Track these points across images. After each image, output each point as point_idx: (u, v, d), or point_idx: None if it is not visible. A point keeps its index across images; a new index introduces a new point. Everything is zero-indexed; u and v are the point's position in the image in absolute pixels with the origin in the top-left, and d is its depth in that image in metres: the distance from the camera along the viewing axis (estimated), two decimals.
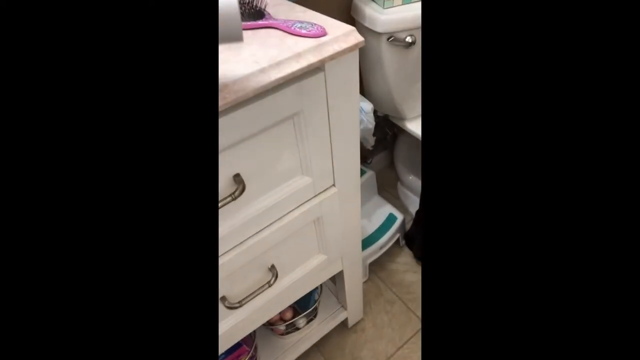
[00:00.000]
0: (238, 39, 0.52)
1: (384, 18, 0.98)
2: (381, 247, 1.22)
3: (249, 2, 0.62)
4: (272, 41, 0.58)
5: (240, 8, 0.63)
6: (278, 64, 0.53)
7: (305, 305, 1.05)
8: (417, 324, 1.16)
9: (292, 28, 0.58)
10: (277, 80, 0.52)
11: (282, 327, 1.03)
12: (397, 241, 1.31)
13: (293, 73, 0.53)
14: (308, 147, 0.64)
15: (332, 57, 0.56)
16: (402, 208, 1.44)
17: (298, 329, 1.05)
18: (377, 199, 1.33)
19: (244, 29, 0.59)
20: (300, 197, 0.70)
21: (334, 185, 0.74)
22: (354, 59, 0.61)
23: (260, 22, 0.61)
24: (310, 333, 1.05)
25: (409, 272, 1.28)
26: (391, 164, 1.57)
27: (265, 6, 0.63)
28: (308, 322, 1.06)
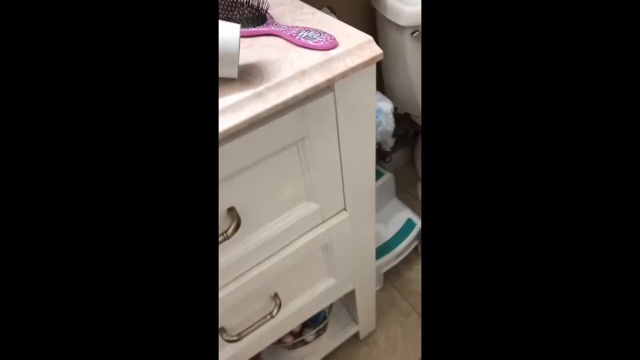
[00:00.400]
0: (231, 75, 0.43)
1: (408, 10, 0.86)
2: (398, 256, 1.14)
3: (248, 2, 0.52)
4: (272, 54, 0.48)
5: (239, 10, 0.53)
6: (278, 85, 0.44)
7: (314, 320, 0.98)
8: None
9: (297, 38, 0.48)
10: (275, 107, 0.43)
11: (289, 341, 0.97)
12: (416, 248, 1.22)
13: (296, 97, 0.44)
14: (315, 173, 0.55)
15: (344, 75, 0.46)
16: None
17: (307, 343, 0.99)
18: (395, 202, 1.24)
19: (241, 37, 0.50)
20: (306, 225, 0.62)
21: (344, 209, 0.65)
22: (370, 75, 0.51)
23: (260, 28, 0.51)
24: (320, 347, 0.99)
25: None
26: (411, 161, 1.46)
27: (267, 7, 0.53)
28: (317, 336, 0.99)
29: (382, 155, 1.35)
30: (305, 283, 0.73)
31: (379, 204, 1.22)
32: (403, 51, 0.94)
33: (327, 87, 0.48)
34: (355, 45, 0.48)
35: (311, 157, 0.53)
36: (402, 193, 1.40)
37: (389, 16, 0.90)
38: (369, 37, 0.49)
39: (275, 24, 0.52)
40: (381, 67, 1.09)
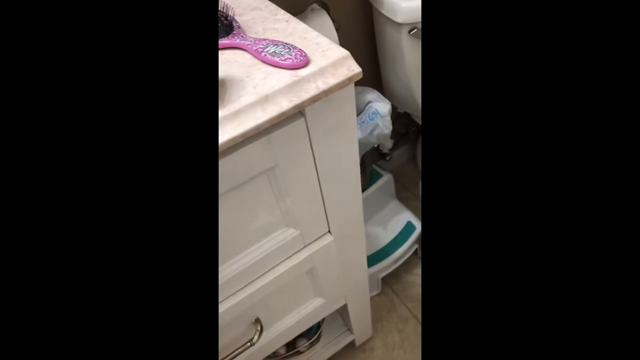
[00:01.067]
0: None
1: (405, 5, 0.77)
2: (396, 261, 1.07)
3: None
4: (235, 72, 0.41)
5: None
6: (237, 114, 0.37)
7: (308, 330, 0.93)
8: None
9: (263, 54, 0.41)
10: (232, 139, 0.37)
11: (282, 351, 0.93)
12: (416, 251, 1.15)
13: (257, 127, 0.37)
14: (291, 200, 0.49)
15: (315, 99, 0.39)
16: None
17: (300, 353, 0.94)
18: (394, 204, 1.17)
19: None
20: (286, 251, 0.56)
21: (329, 232, 0.59)
22: (348, 95, 0.44)
23: (223, 41, 0.44)
24: (314, 357, 0.94)
25: None
26: (413, 159, 1.38)
27: (233, 15, 0.46)
28: (311, 346, 0.95)
29: (382, 154, 1.27)
30: (290, 306, 0.67)
31: (378, 206, 1.15)
32: (401, 50, 0.85)
33: (297, 112, 0.41)
34: (330, 63, 0.40)
35: (284, 185, 0.46)
36: (404, 192, 1.33)
37: (385, 12, 0.81)
38: (345, 53, 0.41)
39: (242, 36, 0.44)
40: (379, 65, 1.01)
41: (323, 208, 0.54)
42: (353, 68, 0.41)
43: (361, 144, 0.90)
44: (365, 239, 0.66)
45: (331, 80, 0.40)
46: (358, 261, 0.70)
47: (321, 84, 0.39)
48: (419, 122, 1.07)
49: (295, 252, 0.57)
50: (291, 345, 0.92)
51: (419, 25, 0.79)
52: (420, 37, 0.80)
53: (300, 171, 0.46)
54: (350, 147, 0.49)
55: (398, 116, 1.16)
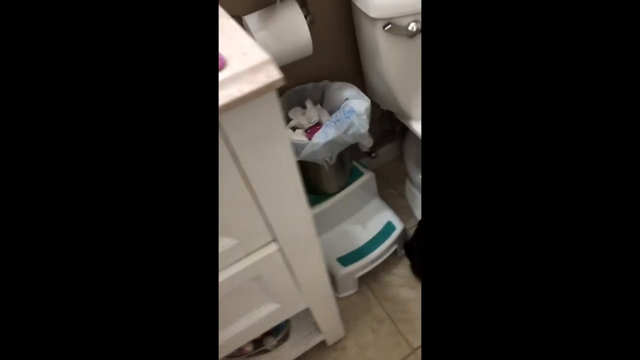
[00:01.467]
0: None
1: (378, 1, 0.72)
2: (373, 262, 1.04)
3: None
4: None
5: None
6: None
7: (276, 328, 0.92)
8: (405, 350, 1.00)
9: None
10: None
11: (249, 348, 0.91)
12: (395, 251, 1.12)
13: None
14: (222, 210, 0.46)
15: (228, 108, 0.36)
16: (407, 210, 1.23)
17: (268, 351, 0.93)
18: (376, 202, 1.13)
19: None
20: (225, 260, 0.53)
21: (274, 240, 0.55)
22: (270, 103, 0.40)
23: None
24: (282, 355, 0.93)
25: (404, 287, 1.10)
26: (400, 156, 1.33)
27: None
28: (278, 345, 0.93)
29: (367, 151, 1.23)
30: (241, 310, 0.65)
31: (359, 204, 1.11)
32: (377, 46, 0.80)
33: None
34: (248, 68, 0.36)
35: None
36: (389, 189, 1.28)
37: (360, 6, 0.76)
38: (266, 58, 0.37)
39: None
40: (361, 63, 0.96)
41: (261, 217, 0.50)
42: (272, 75, 0.37)
43: (336, 142, 0.85)
44: (319, 246, 0.63)
45: (247, 87, 0.36)
46: (315, 268, 0.66)
47: (235, 91, 0.36)
48: (403, 122, 1.01)
49: (236, 261, 0.54)
50: (258, 343, 0.90)
51: (394, 21, 0.73)
52: (395, 33, 0.75)
53: (225, 181, 0.43)
54: (282, 155, 0.45)
55: (384, 113, 1.12)
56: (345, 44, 0.95)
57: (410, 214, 1.21)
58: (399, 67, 0.83)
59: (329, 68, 0.97)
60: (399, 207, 1.23)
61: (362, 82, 1.01)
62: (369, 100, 0.87)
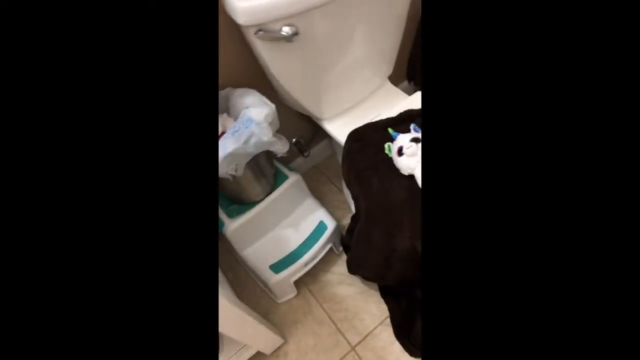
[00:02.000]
0: None
1: (244, 5, 0.67)
2: (306, 264, 1.02)
3: None
4: None
5: None
6: None
7: None
8: (345, 349, 0.98)
9: None
10: None
11: None
12: (331, 249, 1.09)
13: None
14: None
15: None
16: (345, 205, 1.19)
17: None
18: (309, 202, 1.09)
19: None
20: None
21: None
22: None
23: None
24: None
25: (343, 285, 1.07)
26: (335, 153, 1.29)
27: None
28: None
29: (300, 150, 1.19)
30: None
31: (290, 208, 1.08)
32: (259, 53, 0.75)
33: None
34: None
35: None
36: (328, 184, 1.25)
37: (230, 14, 0.71)
38: None
39: None
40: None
41: None
42: None
43: (237, 154, 0.81)
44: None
45: None
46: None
47: None
48: (316, 122, 0.97)
49: None
50: None
51: (266, 27, 0.68)
52: (270, 39, 0.70)
53: None
54: None
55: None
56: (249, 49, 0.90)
57: (348, 208, 1.18)
58: (289, 73, 0.79)
59: (232, 75, 0.92)
60: (336, 202, 1.20)
61: (267, 88, 0.97)
62: (271, 106, 0.82)
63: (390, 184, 0.76)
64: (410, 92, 0.98)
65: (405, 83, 1.34)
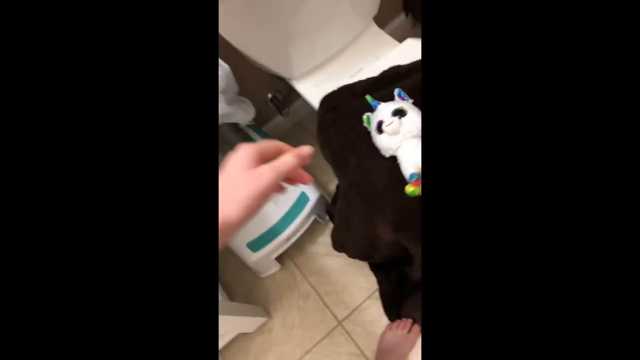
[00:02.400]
0: None
1: None
2: (288, 239, 0.93)
3: None
4: None
5: None
6: None
7: None
8: (332, 323, 0.93)
9: None
10: None
11: None
12: (315, 220, 0.99)
13: None
14: None
15: None
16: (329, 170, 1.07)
17: None
18: None
19: None
20: None
21: None
22: None
23: None
24: None
25: (329, 257, 0.99)
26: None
27: None
28: None
29: (277, 107, 1.04)
30: None
31: None
32: None
33: None
34: None
35: None
36: (313, 144, 1.11)
37: None
38: None
39: None
40: None
41: None
42: None
43: None
44: None
45: None
46: None
47: None
48: (290, 84, 0.81)
49: None
50: None
51: None
52: None
53: None
54: None
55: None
56: None
57: (332, 174, 1.06)
58: (232, 22, 0.61)
59: None
60: (325, 165, 1.07)
61: None
62: (224, 67, 0.67)
63: (370, 164, 0.63)
64: (404, 34, 0.79)
65: (401, 17, 1.12)
